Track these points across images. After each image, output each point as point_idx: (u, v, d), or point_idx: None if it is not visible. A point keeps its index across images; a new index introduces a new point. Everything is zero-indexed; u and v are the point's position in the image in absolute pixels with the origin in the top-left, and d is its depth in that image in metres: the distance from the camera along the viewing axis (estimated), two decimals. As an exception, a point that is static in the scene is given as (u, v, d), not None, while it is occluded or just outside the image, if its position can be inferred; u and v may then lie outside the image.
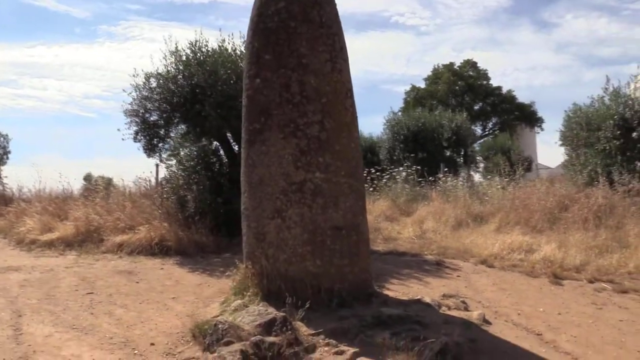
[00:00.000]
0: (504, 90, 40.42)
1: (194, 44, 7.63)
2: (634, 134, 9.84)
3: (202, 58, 7.45)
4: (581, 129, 11.19)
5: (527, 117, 40.29)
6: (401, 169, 13.60)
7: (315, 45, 4.17)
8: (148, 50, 38.98)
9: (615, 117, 10.13)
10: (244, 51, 4.40)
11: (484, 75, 40.44)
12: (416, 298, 4.26)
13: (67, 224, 7.46)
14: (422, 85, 41.20)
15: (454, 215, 10.17)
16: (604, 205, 8.11)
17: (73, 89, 64.35)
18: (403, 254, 7.07)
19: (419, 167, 13.57)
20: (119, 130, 7.63)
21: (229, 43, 7.74)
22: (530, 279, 5.32)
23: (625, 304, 4.52)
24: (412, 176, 13.08)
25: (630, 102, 10.18)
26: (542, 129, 40.84)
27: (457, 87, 39.68)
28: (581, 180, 9.76)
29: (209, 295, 4.60)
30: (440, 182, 13.72)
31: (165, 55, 7.61)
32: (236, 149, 8.36)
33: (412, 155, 18.13)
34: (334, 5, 4.40)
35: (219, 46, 7.61)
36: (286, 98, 4.09)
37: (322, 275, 4.01)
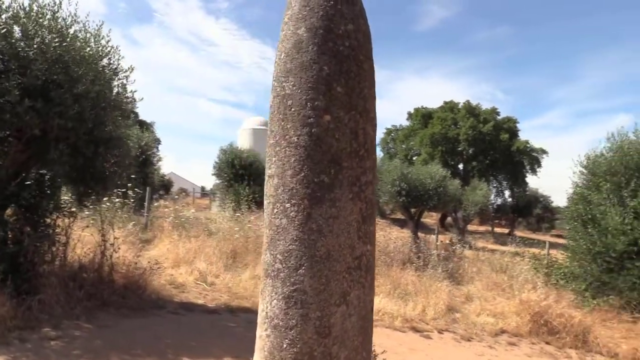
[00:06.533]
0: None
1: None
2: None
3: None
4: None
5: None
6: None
7: (372, 91, 3.52)
8: None
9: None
10: (281, 62, 3.25)
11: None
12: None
13: None
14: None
15: (218, 254, 9.71)
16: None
17: None
18: (235, 311, 6.23)
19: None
20: None
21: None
22: (407, 335, 5.72)
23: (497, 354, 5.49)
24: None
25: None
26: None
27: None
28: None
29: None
30: (169, 210, 12.89)
31: None
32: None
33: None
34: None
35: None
36: (354, 149, 3.26)
37: (368, 372, 3.31)
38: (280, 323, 3.04)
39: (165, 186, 38.62)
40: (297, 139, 3.12)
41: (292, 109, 3.16)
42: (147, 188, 15.03)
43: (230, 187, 22.42)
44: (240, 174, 23.03)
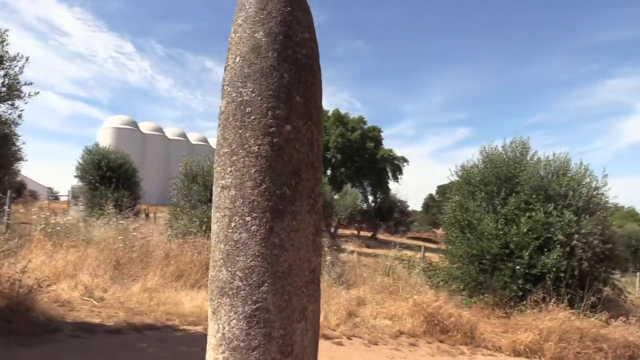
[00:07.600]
0: None
1: None
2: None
3: None
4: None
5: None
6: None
7: (321, 102, 3.53)
8: None
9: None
10: (237, 66, 3.12)
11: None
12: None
13: None
14: None
15: (103, 266, 8.93)
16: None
17: None
18: (139, 329, 5.72)
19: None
20: None
21: None
22: (320, 343, 5.70)
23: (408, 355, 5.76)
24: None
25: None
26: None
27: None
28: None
29: None
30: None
31: None
32: None
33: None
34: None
35: None
36: (310, 160, 3.24)
37: (320, 387, 3.28)
38: (241, 344, 2.86)
39: (17, 188, 34.54)
40: (258, 148, 2.98)
41: (252, 117, 3.01)
42: (8, 191, 13.17)
43: (95, 190, 20.62)
44: (108, 176, 21.24)
